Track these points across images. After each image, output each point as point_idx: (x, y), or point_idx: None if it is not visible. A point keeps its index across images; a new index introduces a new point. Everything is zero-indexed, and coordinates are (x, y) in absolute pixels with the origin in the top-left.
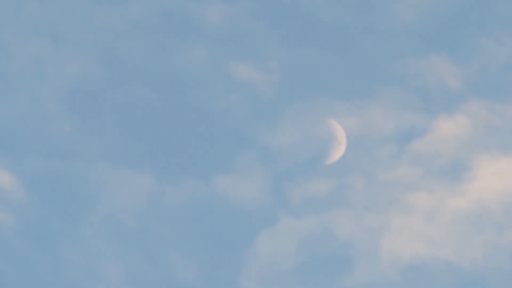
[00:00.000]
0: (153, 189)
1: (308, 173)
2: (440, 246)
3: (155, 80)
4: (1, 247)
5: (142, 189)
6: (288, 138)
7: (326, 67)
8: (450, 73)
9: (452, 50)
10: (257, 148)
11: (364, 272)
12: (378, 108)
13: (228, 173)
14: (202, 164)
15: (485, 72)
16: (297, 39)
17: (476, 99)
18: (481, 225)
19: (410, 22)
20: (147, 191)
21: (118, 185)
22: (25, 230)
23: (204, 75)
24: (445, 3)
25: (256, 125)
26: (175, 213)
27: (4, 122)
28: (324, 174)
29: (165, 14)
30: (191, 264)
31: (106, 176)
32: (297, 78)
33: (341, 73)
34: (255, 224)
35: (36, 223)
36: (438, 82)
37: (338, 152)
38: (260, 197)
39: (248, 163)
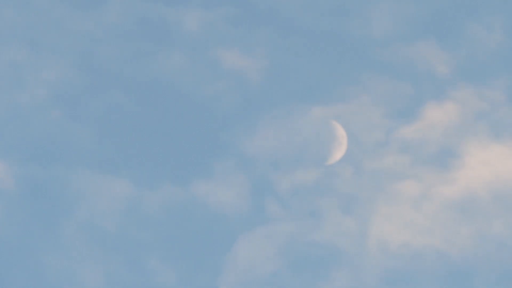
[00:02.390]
0: (132, 194)
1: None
2: (429, 235)
3: (133, 86)
4: None
5: (121, 194)
6: (267, 142)
7: (307, 65)
8: (438, 59)
9: (440, 36)
10: (236, 153)
11: (351, 264)
12: (366, 95)
13: (207, 178)
14: (180, 169)
15: (474, 58)
16: (276, 44)
17: (465, 85)
18: (470, 213)
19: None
20: (125, 196)
21: (97, 190)
22: (4, 235)
23: (181, 82)
24: None
25: (234, 132)
26: (153, 218)
27: None
28: (308, 165)
29: (143, 19)
30: (170, 269)
31: (85, 182)
32: (278, 80)
33: (325, 65)
34: (234, 229)
35: (15, 228)
36: (427, 68)
37: (339, 152)
38: (239, 202)
39: (227, 168)
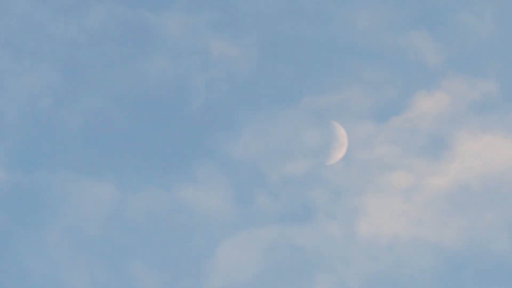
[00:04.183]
0: (115, 198)
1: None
2: (419, 226)
3: (115, 90)
4: None
5: (104, 198)
6: (252, 147)
7: (294, 63)
8: (429, 49)
9: (432, 26)
10: (219, 157)
11: (341, 255)
12: (356, 85)
13: (190, 182)
14: (164, 173)
15: (465, 48)
16: (258, 49)
17: (456, 75)
18: (461, 204)
19: None
20: (109, 200)
21: (80, 194)
22: None
23: (164, 86)
24: None
25: (218, 135)
26: (137, 222)
27: None
28: (298, 158)
29: (125, 25)
30: (153, 273)
31: (68, 186)
32: (264, 81)
33: (314, 56)
34: (217, 233)
35: None
36: (417, 58)
37: (339, 153)
38: (223, 205)
39: (210, 171)
